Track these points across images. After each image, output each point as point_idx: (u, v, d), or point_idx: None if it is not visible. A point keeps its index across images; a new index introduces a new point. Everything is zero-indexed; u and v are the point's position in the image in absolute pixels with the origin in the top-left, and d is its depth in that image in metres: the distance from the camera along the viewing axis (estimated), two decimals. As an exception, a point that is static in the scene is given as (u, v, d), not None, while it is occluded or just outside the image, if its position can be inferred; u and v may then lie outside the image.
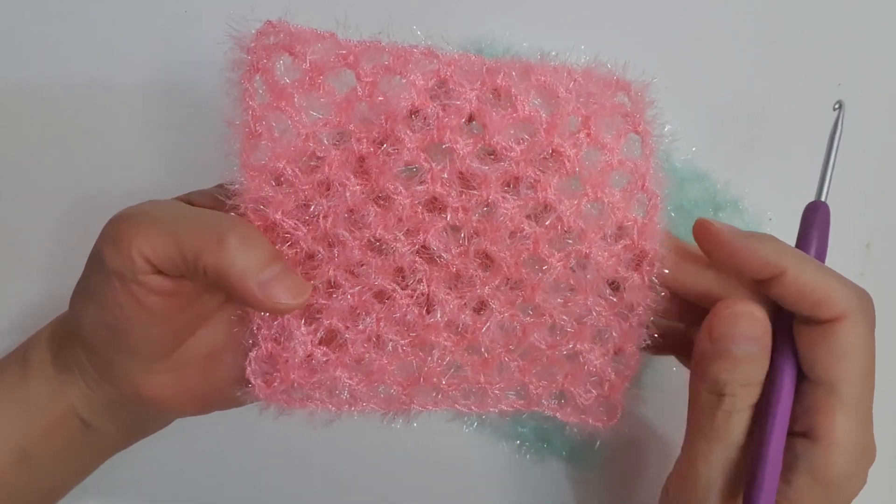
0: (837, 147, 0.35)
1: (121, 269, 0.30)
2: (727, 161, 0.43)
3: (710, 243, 0.33)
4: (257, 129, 0.30)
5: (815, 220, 0.34)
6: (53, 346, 0.35)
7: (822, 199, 0.35)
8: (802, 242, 0.34)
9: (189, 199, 0.33)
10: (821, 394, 0.31)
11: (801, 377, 0.32)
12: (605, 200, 0.32)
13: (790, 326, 0.32)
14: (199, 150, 0.38)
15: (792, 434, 0.31)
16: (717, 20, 0.41)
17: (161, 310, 0.31)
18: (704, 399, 0.32)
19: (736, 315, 0.31)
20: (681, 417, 0.40)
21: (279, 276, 0.30)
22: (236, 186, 0.31)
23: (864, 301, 0.32)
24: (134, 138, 0.42)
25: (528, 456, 0.43)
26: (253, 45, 0.30)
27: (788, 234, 0.36)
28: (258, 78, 0.30)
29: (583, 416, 0.35)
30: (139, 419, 0.37)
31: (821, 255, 0.34)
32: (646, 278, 0.33)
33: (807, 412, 0.31)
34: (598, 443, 0.41)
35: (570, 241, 0.33)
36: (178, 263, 0.29)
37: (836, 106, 0.35)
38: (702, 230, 0.33)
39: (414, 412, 0.34)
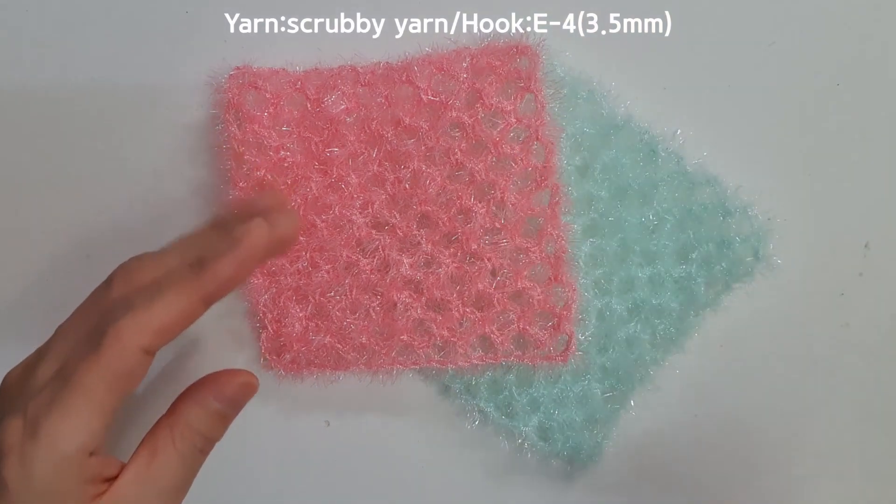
0: None
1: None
2: (735, 165, 0.42)
3: None
4: (240, 149, 0.40)
5: None
6: None
7: None
8: None
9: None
10: None
11: None
12: (508, 153, 0.38)
13: None
14: (199, 149, 0.42)
15: None
16: (718, 21, 0.42)
17: None
18: None
19: None
20: (682, 417, 0.42)
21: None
22: (230, 197, 0.40)
23: None
24: (134, 139, 0.43)
25: (529, 455, 0.43)
26: (227, 86, 0.40)
27: (795, 236, 0.40)
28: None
29: (542, 356, 0.40)
30: None
31: None
32: (555, 210, 0.38)
33: None
34: (600, 442, 0.42)
35: (492, 192, 0.39)
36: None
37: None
38: None
39: (396, 371, 0.41)
